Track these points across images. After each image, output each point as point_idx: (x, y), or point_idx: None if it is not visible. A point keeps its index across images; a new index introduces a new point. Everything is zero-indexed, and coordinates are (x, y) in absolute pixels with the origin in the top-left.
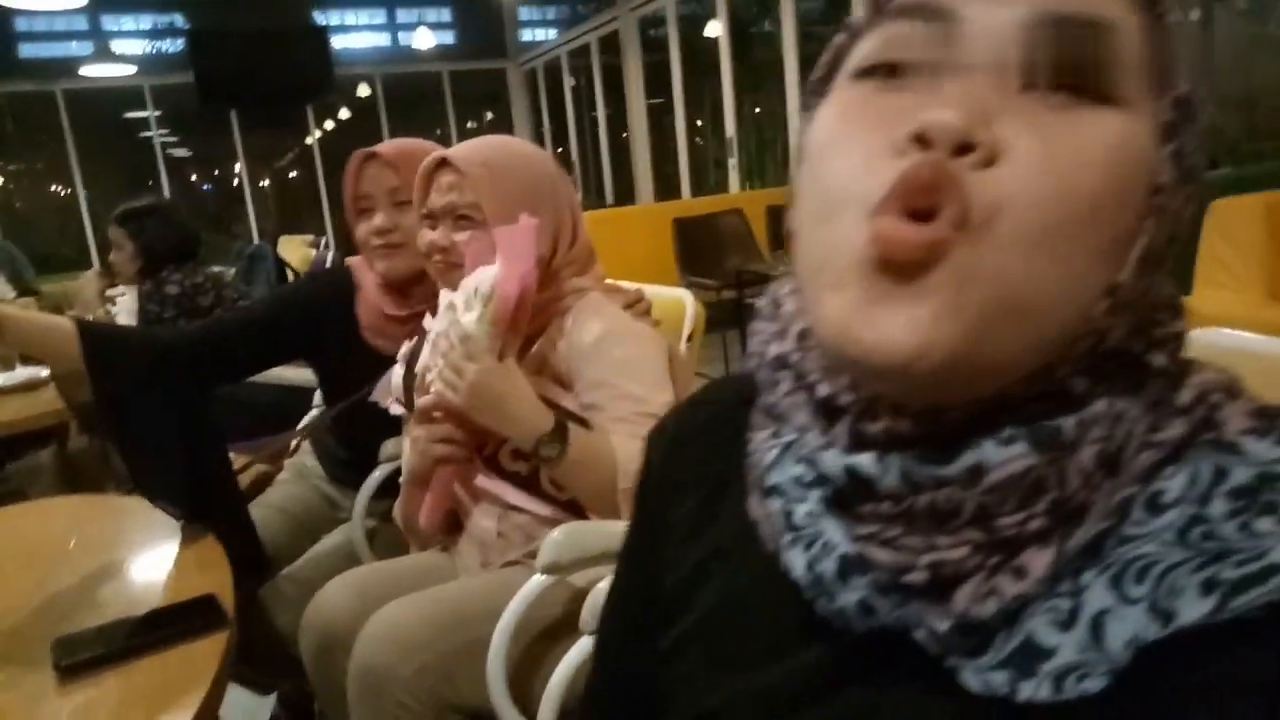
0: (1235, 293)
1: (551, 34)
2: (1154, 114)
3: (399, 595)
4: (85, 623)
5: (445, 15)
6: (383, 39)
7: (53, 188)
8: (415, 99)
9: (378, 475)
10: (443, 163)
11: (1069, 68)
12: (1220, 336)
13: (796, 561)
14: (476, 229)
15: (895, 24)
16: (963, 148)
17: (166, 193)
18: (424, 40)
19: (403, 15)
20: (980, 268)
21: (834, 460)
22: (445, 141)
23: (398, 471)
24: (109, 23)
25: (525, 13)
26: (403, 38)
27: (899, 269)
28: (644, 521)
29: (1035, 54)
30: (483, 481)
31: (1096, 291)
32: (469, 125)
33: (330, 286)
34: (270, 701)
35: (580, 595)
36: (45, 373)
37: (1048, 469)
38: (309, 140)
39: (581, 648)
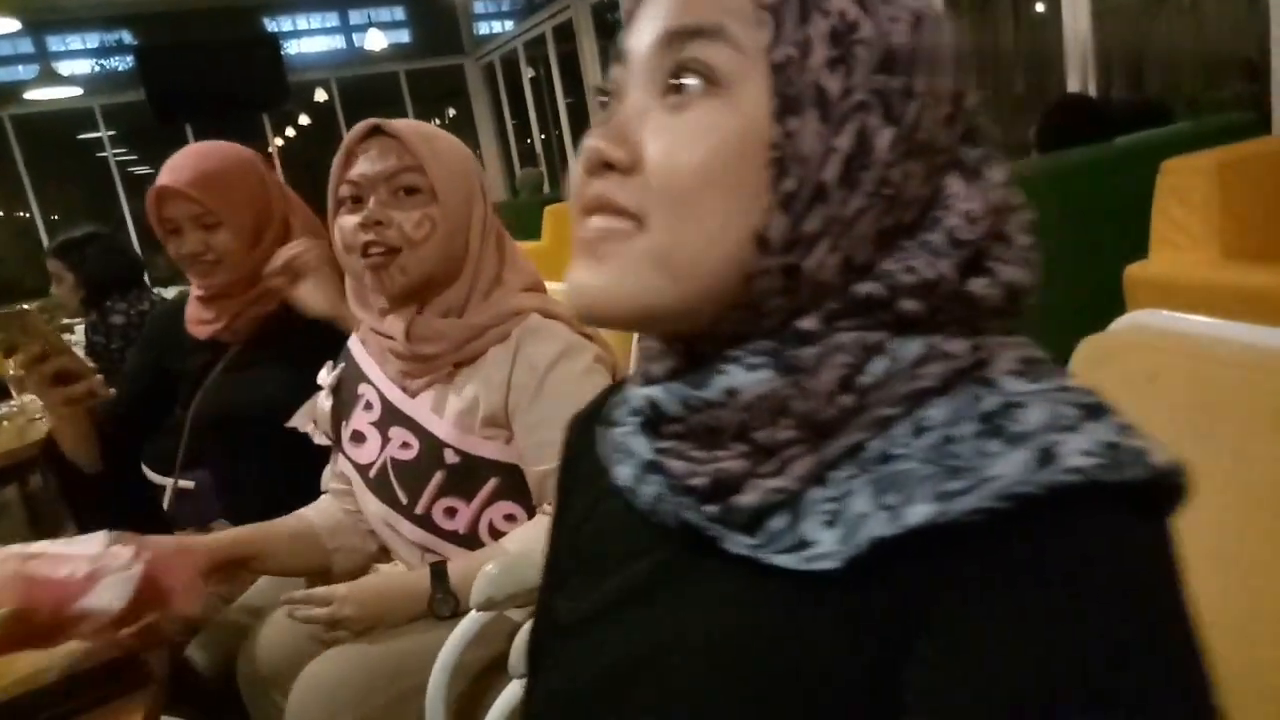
0: (1190, 253)
1: (508, 25)
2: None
3: None
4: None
5: (399, 14)
6: (337, 41)
7: (12, 213)
8: (373, 100)
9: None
10: (372, 133)
11: (678, 71)
12: (1155, 318)
13: (623, 473)
14: (424, 205)
15: (614, 63)
16: (607, 165)
17: (127, 210)
18: (376, 41)
19: (355, 17)
20: (639, 245)
21: (637, 394)
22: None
23: None
24: (55, 43)
25: (479, 6)
26: (357, 39)
27: (590, 250)
28: (560, 499)
29: (659, 68)
30: (415, 536)
31: (746, 241)
32: (433, 122)
33: (168, 306)
34: None
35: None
36: (3, 409)
37: (790, 389)
38: (270, 149)
39: (515, 688)
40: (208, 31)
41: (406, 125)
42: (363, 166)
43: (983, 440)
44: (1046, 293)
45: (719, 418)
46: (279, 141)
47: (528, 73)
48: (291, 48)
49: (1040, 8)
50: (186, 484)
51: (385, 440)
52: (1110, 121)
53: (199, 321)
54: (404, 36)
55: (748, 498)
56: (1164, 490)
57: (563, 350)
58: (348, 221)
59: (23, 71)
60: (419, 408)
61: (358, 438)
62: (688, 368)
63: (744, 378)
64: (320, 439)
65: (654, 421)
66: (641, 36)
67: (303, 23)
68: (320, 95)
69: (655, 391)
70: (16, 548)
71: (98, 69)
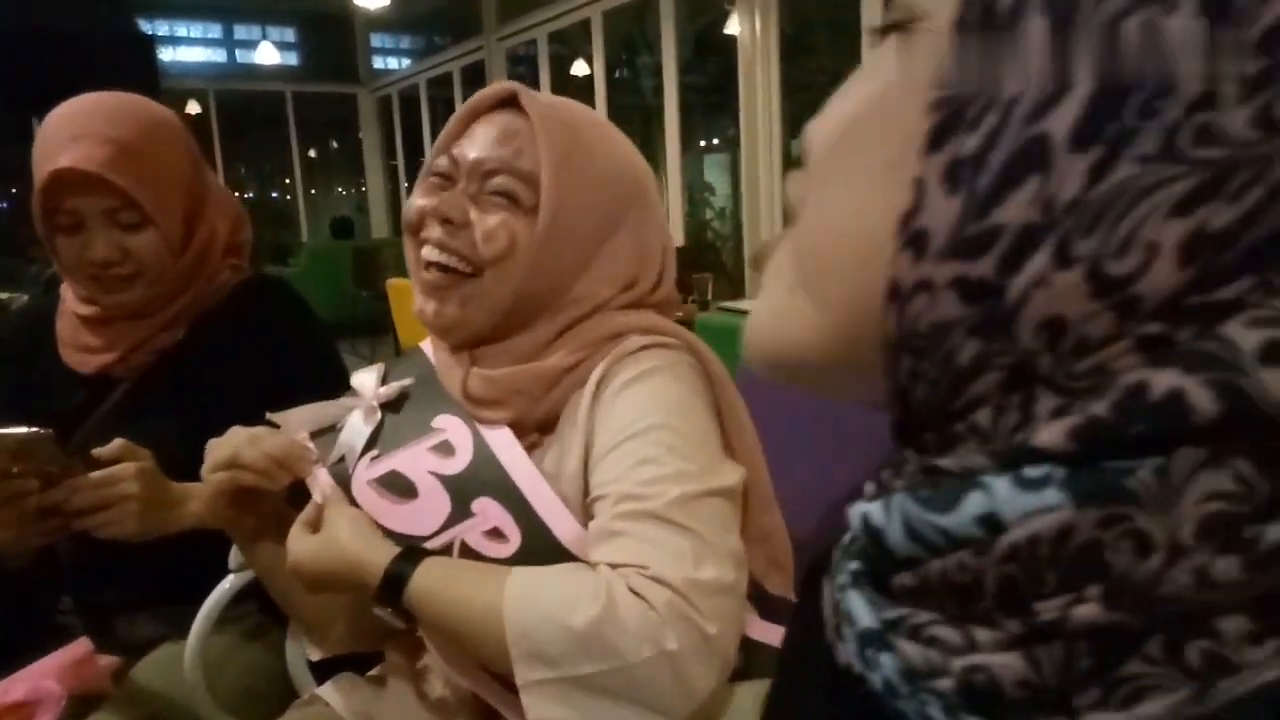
0: None
1: (406, 63)
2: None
3: None
4: None
5: (289, 35)
6: (218, 55)
7: None
8: (253, 118)
9: (230, 584)
10: (507, 103)
11: None
12: None
13: (842, 650)
14: (517, 214)
15: None
16: None
17: None
18: (268, 55)
19: (241, 32)
20: (785, 249)
21: (854, 510)
22: (288, 170)
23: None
24: None
25: (378, 40)
26: (240, 55)
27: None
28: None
29: None
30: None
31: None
32: (310, 154)
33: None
34: None
35: None
36: None
37: (1101, 530)
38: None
39: None
40: (70, 21)
41: (548, 106)
42: (462, 148)
43: None
44: None
45: (969, 567)
46: None
47: (428, 110)
48: (166, 54)
49: None
50: None
51: (461, 514)
52: None
53: (82, 349)
54: (293, 59)
55: None
56: None
57: (650, 370)
58: (422, 203)
59: None
60: (536, 484)
61: (400, 487)
62: (926, 470)
63: (1016, 500)
64: (319, 474)
65: (877, 564)
66: None
67: (181, 30)
68: (194, 107)
69: (873, 510)
70: None
71: None
